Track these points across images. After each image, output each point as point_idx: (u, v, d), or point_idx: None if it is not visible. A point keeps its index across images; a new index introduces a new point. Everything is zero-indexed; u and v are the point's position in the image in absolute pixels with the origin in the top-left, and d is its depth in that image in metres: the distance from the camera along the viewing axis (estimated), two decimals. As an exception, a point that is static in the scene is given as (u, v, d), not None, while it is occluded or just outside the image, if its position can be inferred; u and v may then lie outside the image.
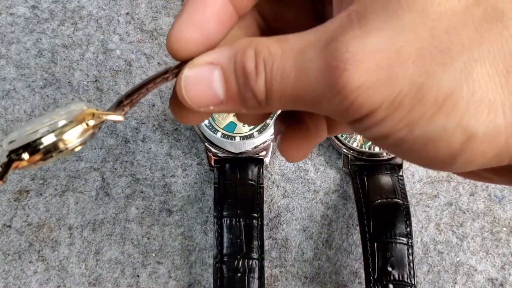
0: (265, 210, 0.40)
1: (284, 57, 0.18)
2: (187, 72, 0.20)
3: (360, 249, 0.38)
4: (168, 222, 0.40)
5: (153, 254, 0.39)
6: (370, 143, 0.39)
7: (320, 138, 0.24)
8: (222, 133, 0.39)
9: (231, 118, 0.40)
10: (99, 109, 0.23)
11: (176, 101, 0.21)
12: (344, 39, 0.16)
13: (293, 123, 0.23)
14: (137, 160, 0.41)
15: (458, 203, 0.39)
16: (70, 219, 0.39)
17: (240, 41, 0.19)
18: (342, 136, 0.39)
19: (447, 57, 0.16)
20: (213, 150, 0.39)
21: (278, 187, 0.40)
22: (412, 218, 0.39)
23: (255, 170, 0.38)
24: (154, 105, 0.42)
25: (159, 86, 0.23)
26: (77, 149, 0.22)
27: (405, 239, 0.35)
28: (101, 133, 0.41)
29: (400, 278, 0.34)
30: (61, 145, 0.22)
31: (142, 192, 0.40)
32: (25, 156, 0.22)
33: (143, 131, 0.42)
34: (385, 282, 0.34)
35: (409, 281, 0.34)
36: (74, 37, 0.44)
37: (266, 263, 0.38)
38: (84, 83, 0.43)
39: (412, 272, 0.34)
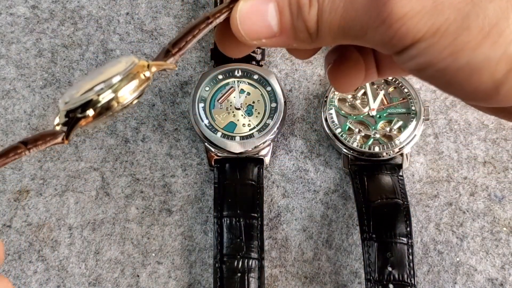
0: (265, 210, 0.40)
1: None
2: (242, 5, 0.20)
3: (360, 249, 0.38)
4: (168, 222, 0.40)
5: (153, 254, 0.39)
6: (370, 143, 0.39)
7: (370, 76, 0.25)
8: (222, 133, 0.39)
9: (231, 118, 0.40)
10: (149, 60, 0.22)
11: (223, 33, 0.22)
12: None
13: (343, 55, 0.24)
14: (137, 160, 0.41)
15: (458, 203, 0.39)
16: (70, 219, 0.39)
17: None
18: (342, 136, 0.39)
19: None
20: (213, 150, 0.39)
21: (278, 187, 0.40)
22: (412, 218, 0.39)
23: (255, 170, 0.38)
24: (154, 105, 0.42)
25: (204, 32, 0.22)
26: (135, 102, 0.22)
27: (405, 239, 0.35)
28: (101, 133, 0.41)
29: (400, 278, 0.34)
30: (121, 100, 0.21)
31: (142, 192, 0.40)
32: (90, 112, 0.21)
33: (143, 131, 0.42)
34: (385, 282, 0.34)
35: (409, 281, 0.34)
36: (74, 37, 0.44)
37: (266, 263, 0.38)
38: (84, 83, 0.43)
39: (412, 272, 0.34)
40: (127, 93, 0.21)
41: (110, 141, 0.42)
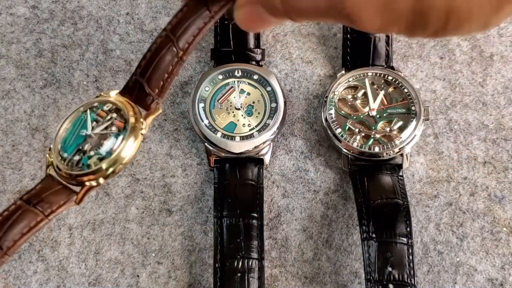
0: (265, 210, 0.40)
1: None
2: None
3: (360, 249, 0.38)
4: (168, 222, 0.40)
5: (153, 254, 0.39)
6: (370, 143, 0.38)
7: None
8: (222, 133, 0.39)
9: (231, 118, 0.40)
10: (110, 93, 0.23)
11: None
12: None
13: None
14: (137, 160, 0.41)
15: (458, 203, 0.39)
16: (70, 219, 0.39)
17: None
18: (342, 136, 0.39)
19: None
20: (213, 150, 0.39)
21: (278, 187, 0.40)
22: (412, 218, 0.39)
23: (255, 170, 0.38)
24: (154, 105, 0.42)
25: (178, 69, 0.24)
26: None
27: (405, 239, 0.35)
28: (101, 133, 0.41)
29: (400, 278, 0.34)
30: (125, 162, 0.23)
31: (142, 192, 0.40)
32: (101, 181, 0.22)
33: (143, 131, 0.42)
34: (385, 282, 0.34)
35: (409, 281, 0.34)
36: (74, 37, 0.44)
37: (266, 263, 0.38)
38: (84, 83, 0.43)
39: (412, 272, 0.34)
40: (129, 156, 0.22)
41: (110, 141, 0.42)
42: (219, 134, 0.39)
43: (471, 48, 0.43)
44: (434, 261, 0.38)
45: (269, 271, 0.38)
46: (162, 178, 0.41)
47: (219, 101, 0.40)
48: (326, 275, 0.38)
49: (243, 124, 0.39)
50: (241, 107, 0.40)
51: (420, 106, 0.39)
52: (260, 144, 0.39)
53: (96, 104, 0.26)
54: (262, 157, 0.39)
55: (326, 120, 0.39)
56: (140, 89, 0.24)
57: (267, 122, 0.39)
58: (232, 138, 0.39)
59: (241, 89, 0.40)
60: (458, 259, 0.38)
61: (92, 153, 0.24)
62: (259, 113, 0.40)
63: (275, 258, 0.39)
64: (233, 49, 0.41)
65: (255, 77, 0.40)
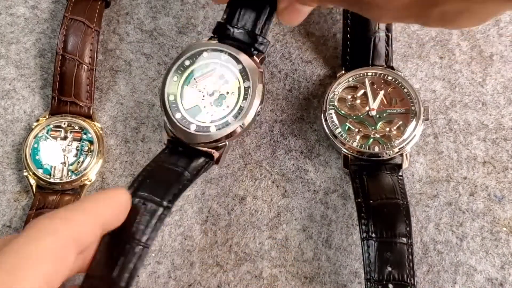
0: (265, 210, 0.40)
1: None
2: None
3: (360, 249, 0.38)
4: (168, 222, 0.40)
5: (153, 254, 0.39)
6: (370, 142, 0.38)
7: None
8: (182, 115, 0.35)
9: (199, 102, 0.35)
10: None
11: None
12: None
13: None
14: (136, 160, 0.41)
15: (458, 203, 0.39)
16: (70, 219, 0.39)
17: None
18: (341, 136, 0.39)
19: None
20: (168, 127, 0.35)
21: (278, 187, 0.40)
22: (412, 218, 0.39)
23: (199, 161, 0.34)
24: (153, 105, 0.42)
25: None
26: None
27: (405, 239, 0.35)
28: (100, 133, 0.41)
29: (400, 278, 0.34)
30: None
31: (142, 192, 0.40)
32: None
33: (143, 131, 0.42)
34: (384, 282, 0.34)
35: (408, 281, 0.34)
36: (74, 37, 0.44)
37: (266, 263, 0.39)
38: (84, 83, 0.43)
39: (412, 272, 0.34)
40: None
41: (110, 141, 0.42)
42: (178, 115, 0.35)
43: (471, 48, 0.43)
44: (434, 261, 0.38)
45: (269, 271, 0.38)
46: (162, 178, 0.41)
47: (196, 79, 0.35)
48: (326, 275, 0.38)
49: (207, 113, 0.35)
50: (213, 93, 0.35)
51: (420, 106, 0.39)
52: (214, 141, 0.34)
53: None
54: (213, 153, 0.35)
55: (326, 120, 0.39)
56: None
57: (242, 105, 0.34)
58: (188, 125, 0.34)
59: (222, 74, 0.35)
60: (458, 259, 0.38)
61: None
62: (227, 106, 0.35)
63: (275, 258, 0.39)
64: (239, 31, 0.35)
65: (240, 67, 0.35)
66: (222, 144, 0.35)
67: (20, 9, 0.44)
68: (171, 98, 0.35)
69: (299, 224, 0.40)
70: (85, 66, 0.40)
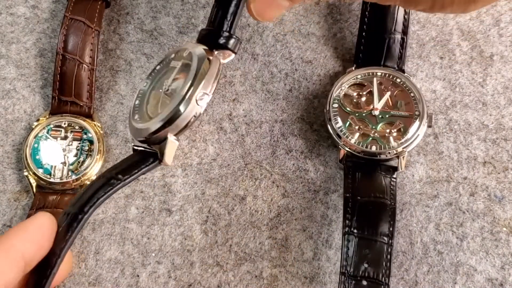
0: (265, 210, 0.40)
1: None
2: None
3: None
4: (168, 222, 0.40)
5: (153, 254, 0.39)
6: (368, 141, 0.38)
7: None
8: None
9: (157, 97, 0.33)
10: None
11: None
12: None
13: None
14: (137, 160, 0.41)
15: (458, 203, 0.39)
16: (70, 219, 0.40)
17: None
18: (341, 131, 0.39)
19: None
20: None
21: (278, 187, 0.40)
22: (412, 218, 0.39)
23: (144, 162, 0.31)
24: (154, 105, 0.42)
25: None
26: None
27: (386, 239, 0.35)
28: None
29: (375, 276, 0.34)
30: None
31: (141, 191, 0.40)
32: None
33: (143, 131, 0.42)
34: (359, 278, 0.34)
35: (383, 280, 0.34)
36: (74, 37, 0.44)
37: (266, 263, 0.39)
38: (84, 83, 0.43)
39: (388, 272, 0.34)
40: None
41: (110, 141, 0.42)
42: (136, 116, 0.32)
43: (471, 48, 0.43)
44: (434, 261, 0.38)
45: (269, 271, 0.38)
46: (162, 178, 0.41)
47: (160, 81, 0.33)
48: (326, 275, 0.38)
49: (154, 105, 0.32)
50: (168, 89, 0.32)
51: (424, 112, 0.38)
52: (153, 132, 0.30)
53: None
54: (155, 150, 0.31)
55: (328, 112, 0.39)
56: None
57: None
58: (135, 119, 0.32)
59: (177, 70, 0.32)
60: (458, 259, 0.38)
61: None
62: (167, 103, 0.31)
63: (275, 258, 0.39)
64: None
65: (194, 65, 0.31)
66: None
67: (20, 9, 0.44)
68: (137, 102, 0.33)
69: (299, 224, 0.40)
70: (86, 66, 0.40)
